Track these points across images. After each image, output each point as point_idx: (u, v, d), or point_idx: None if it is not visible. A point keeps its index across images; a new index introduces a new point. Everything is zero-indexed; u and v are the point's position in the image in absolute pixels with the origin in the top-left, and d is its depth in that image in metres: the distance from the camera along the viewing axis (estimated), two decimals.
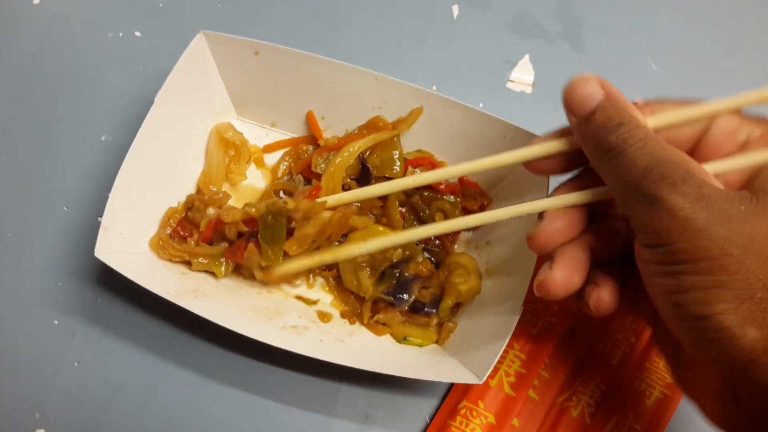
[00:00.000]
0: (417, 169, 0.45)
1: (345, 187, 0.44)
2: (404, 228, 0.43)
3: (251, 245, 0.39)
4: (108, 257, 0.37)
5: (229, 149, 0.47)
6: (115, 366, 0.42)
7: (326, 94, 0.46)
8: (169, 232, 0.42)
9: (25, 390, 0.42)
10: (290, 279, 0.44)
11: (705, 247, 0.25)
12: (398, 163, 0.45)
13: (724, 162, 0.30)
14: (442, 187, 0.45)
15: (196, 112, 0.45)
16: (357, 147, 0.44)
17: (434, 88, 0.53)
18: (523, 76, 0.55)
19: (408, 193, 0.45)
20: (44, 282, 0.44)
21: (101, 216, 0.37)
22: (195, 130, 0.46)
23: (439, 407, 0.42)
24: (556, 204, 0.32)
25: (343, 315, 0.44)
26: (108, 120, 0.50)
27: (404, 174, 0.45)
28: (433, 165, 0.46)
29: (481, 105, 0.53)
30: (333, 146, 0.46)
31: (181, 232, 0.43)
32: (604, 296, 0.31)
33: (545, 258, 0.33)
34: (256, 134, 0.49)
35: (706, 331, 0.25)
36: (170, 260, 0.42)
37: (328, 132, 0.48)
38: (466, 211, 0.46)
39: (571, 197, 0.32)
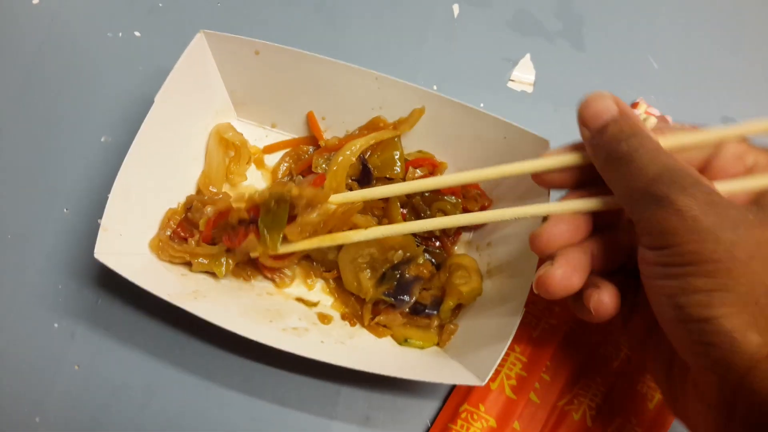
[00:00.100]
0: (417, 170, 0.45)
1: (347, 188, 0.44)
2: None
3: (251, 233, 0.39)
4: (108, 258, 0.37)
5: (229, 150, 0.46)
6: (115, 368, 0.42)
7: (326, 94, 0.45)
8: (169, 233, 0.42)
9: (25, 392, 0.41)
10: (285, 261, 0.43)
11: (711, 249, 0.25)
12: (399, 164, 0.45)
13: (732, 182, 0.30)
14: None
15: (196, 113, 0.45)
16: (359, 145, 0.44)
17: (435, 87, 0.53)
18: (524, 75, 0.55)
19: (409, 194, 0.44)
20: (44, 284, 0.44)
21: (101, 217, 0.37)
22: (195, 130, 0.46)
23: (440, 410, 0.42)
24: (562, 209, 0.32)
25: (343, 317, 0.44)
26: (108, 120, 0.50)
27: (405, 174, 0.45)
28: (433, 165, 0.46)
29: (481, 104, 0.53)
30: (333, 147, 0.46)
31: (181, 233, 0.42)
32: (604, 299, 0.30)
33: (546, 260, 0.33)
34: (256, 135, 0.49)
35: (707, 334, 0.25)
36: (170, 261, 0.42)
37: (329, 132, 0.48)
38: (467, 212, 0.45)
39: (577, 204, 0.32)
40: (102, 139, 0.49)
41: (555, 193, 0.37)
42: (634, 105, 0.53)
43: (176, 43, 0.43)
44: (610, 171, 0.30)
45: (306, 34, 0.55)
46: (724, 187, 0.30)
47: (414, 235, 0.44)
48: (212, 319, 0.36)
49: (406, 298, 0.42)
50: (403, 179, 0.45)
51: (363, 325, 0.43)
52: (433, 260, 0.45)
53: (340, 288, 0.44)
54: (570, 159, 0.33)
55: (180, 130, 0.44)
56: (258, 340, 0.36)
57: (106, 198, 0.38)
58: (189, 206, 0.43)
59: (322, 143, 0.46)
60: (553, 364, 0.42)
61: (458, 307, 0.43)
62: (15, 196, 0.47)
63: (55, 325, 0.43)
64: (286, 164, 0.48)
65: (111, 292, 0.44)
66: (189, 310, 0.36)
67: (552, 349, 0.42)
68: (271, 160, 0.48)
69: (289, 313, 0.42)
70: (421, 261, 0.43)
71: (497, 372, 0.41)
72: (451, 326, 0.42)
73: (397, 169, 0.45)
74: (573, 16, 0.58)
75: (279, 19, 0.55)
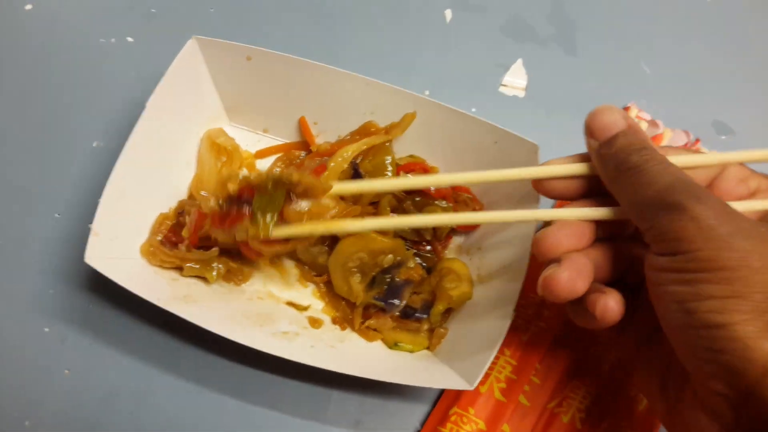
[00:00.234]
0: (409, 175, 0.45)
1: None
2: (395, 236, 0.43)
3: (245, 217, 0.37)
4: (98, 263, 0.37)
5: (222, 155, 0.46)
6: (106, 372, 0.42)
7: (318, 99, 0.46)
8: (160, 238, 0.42)
9: (15, 398, 0.41)
10: (274, 247, 0.39)
11: (726, 257, 0.25)
12: (390, 169, 0.45)
13: (736, 204, 0.30)
14: (433, 191, 0.45)
15: (188, 118, 0.45)
16: (350, 152, 0.44)
17: (427, 92, 0.53)
18: (515, 80, 0.55)
19: (400, 199, 0.45)
20: (34, 288, 0.44)
21: (92, 222, 0.37)
22: (187, 135, 0.46)
23: (429, 413, 0.42)
24: (567, 215, 0.32)
25: (334, 321, 0.44)
26: (99, 125, 0.50)
27: None
28: (425, 170, 0.46)
29: (473, 109, 0.53)
30: (325, 152, 0.46)
31: (173, 238, 0.43)
32: (611, 303, 0.30)
33: (539, 265, 0.33)
34: (249, 140, 0.49)
35: (719, 340, 0.25)
36: (161, 266, 0.42)
37: (321, 137, 0.48)
38: None
39: (582, 212, 0.32)
40: (94, 144, 0.49)
41: (546, 204, 0.37)
42: (626, 109, 0.53)
43: (169, 49, 0.43)
44: (618, 181, 0.30)
45: (298, 40, 0.55)
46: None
47: (405, 239, 0.44)
48: (203, 324, 0.36)
49: (397, 302, 0.42)
50: None
51: (353, 329, 0.43)
52: (424, 264, 0.45)
53: (331, 292, 0.44)
54: (573, 169, 0.33)
55: (172, 135, 0.44)
56: (248, 345, 0.36)
57: (98, 203, 0.38)
58: (180, 211, 0.44)
59: (313, 148, 0.47)
60: (543, 367, 0.42)
61: (448, 311, 0.43)
62: (6, 201, 0.47)
63: (46, 329, 0.43)
64: (278, 169, 0.48)
65: (102, 296, 0.44)
66: (180, 314, 0.36)
67: (542, 352, 0.42)
68: (263, 165, 0.48)
69: (279, 318, 0.42)
70: (411, 265, 0.43)
71: (487, 375, 0.41)
72: (441, 330, 0.42)
73: (389, 173, 0.45)
74: (566, 21, 0.58)
75: (272, 25, 0.56)
